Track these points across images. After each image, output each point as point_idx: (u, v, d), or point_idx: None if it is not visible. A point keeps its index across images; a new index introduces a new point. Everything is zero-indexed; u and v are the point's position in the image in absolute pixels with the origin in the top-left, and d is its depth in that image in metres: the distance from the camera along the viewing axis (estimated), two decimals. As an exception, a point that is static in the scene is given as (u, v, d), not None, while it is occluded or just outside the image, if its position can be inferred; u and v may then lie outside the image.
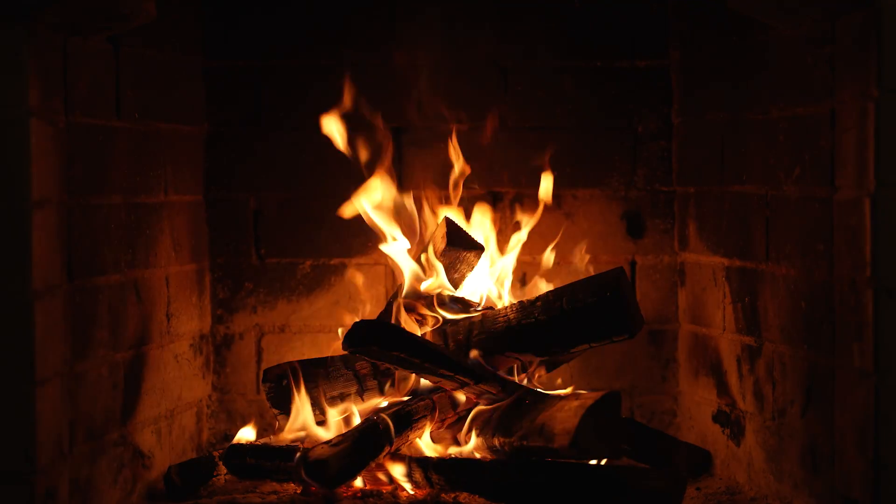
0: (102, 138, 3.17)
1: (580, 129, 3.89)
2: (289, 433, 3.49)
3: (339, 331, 3.56)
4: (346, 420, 3.47)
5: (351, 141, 3.74)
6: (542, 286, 3.64)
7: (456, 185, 3.72)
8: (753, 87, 3.35)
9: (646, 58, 3.88)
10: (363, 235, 3.82)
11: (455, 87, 3.83)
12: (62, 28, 2.92)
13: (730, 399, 3.52)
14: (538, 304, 3.38)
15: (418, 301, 3.53)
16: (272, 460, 3.40)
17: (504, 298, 3.65)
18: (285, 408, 3.54)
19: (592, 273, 3.61)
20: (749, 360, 3.39)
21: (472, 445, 3.37)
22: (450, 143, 3.73)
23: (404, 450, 3.34)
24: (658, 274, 3.91)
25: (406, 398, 3.46)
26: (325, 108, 3.81)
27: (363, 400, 3.51)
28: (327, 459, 3.12)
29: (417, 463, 3.32)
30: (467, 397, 3.43)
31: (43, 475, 2.81)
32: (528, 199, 3.87)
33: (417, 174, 3.78)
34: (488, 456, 3.34)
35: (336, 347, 3.43)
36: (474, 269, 3.62)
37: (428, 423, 3.38)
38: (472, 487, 3.25)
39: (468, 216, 3.75)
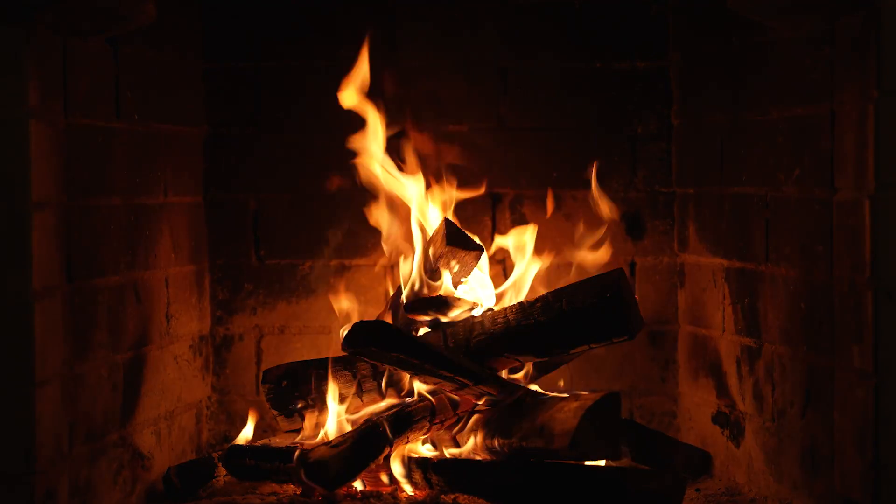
0: (102, 139, 3.17)
1: (580, 129, 3.89)
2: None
3: (341, 331, 3.56)
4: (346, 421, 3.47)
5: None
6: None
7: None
8: (753, 89, 3.35)
9: (646, 59, 3.88)
10: (363, 236, 3.83)
11: (455, 88, 3.83)
12: (62, 29, 2.92)
13: (729, 400, 3.52)
14: (538, 305, 3.37)
15: (418, 302, 3.52)
16: (272, 461, 3.40)
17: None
18: (285, 409, 3.54)
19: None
20: (749, 361, 3.39)
21: (471, 446, 3.37)
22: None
23: (404, 451, 3.34)
24: (658, 275, 3.91)
25: (406, 399, 3.45)
26: (324, 109, 3.82)
27: (362, 401, 3.51)
28: (327, 460, 3.12)
29: (417, 464, 3.32)
30: (466, 398, 3.43)
31: (42, 476, 2.81)
32: (527, 199, 3.87)
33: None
34: (488, 457, 3.34)
35: (336, 349, 3.43)
36: (474, 269, 3.62)
37: (427, 425, 3.38)
38: (471, 488, 3.25)
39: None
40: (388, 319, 3.58)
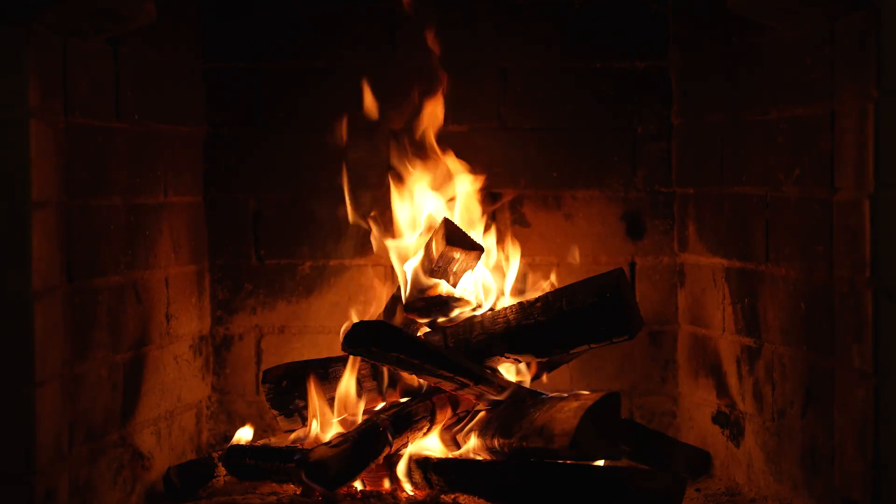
0: (102, 139, 3.17)
1: (580, 129, 3.89)
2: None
3: (343, 328, 3.56)
4: (346, 421, 3.47)
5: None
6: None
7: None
8: (753, 88, 3.35)
9: (645, 59, 3.88)
10: (363, 236, 3.83)
11: (455, 88, 3.83)
12: (62, 28, 2.92)
13: (729, 400, 3.52)
14: (538, 304, 3.37)
15: (418, 302, 3.52)
16: (272, 461, 3.40)
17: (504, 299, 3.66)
18: (285, 409, 3.54)
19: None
20: (748, 361, 3.39)
21: (471, 446, 3.37)
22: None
23: (403, 450, 3.35)
24: (658, 275, 3.91)
25: (405, 399, 3.46)
26: (324, 110, 3.83)
27: (363, 401, 3.51)
28: (327, 461, 3.12)
29: (417, 464, 3.32)
30: (466, 398, 3.43)
31: (42, 476, 2.81)
32: (527, 199, 3.87)
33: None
34: (488, 457, 3.34)
35: (336, 349, 3.43)
36: (473, 269, 3.62)
37: (427, 425, 3.38)
38: (471, 488, 3.25)
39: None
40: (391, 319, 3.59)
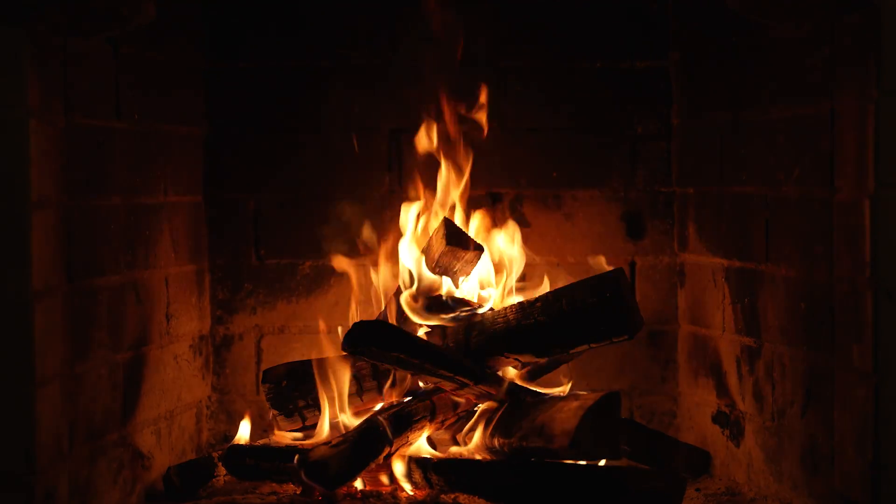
0: (102, 139, 3.18)
1: (580, 129, 3.89)
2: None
3: (339, 330, 3.57)
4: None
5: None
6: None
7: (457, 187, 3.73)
8: (753, 88, 3.35)
9: (645, 58, 3.88)
10: (363, 236, 3.82)
11: (455, 88, 3.83)
12: (62, 28, 2.92)
13: (729, 400, 3.52)
14: (538, 304, 3.37)
15: (418, 302, 3.52)
16: (272, 461, 3.40)
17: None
18: (285, 409, 3.54)
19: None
20: (748, 360, 3.39)
21: (471, 446, 3.37)
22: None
23: (404, 450, 3.35)
24: (658, 275, 3.91)
25: (405, 399, 3.45)
26: (324, 109, 3.83)
27: (362, 400, 3.51)
28: (327, 460, 3.12)
29: (417, 463, 3.32)
30: (467, 398, 3.43)
31: (42, 476, 2.81)
32: (527, 199, 3.87)
33: (416, 175, 3.78)
34: (488, 457, 3.34)
35: (336, 348, 3.43)
36: (474, 269, 3.62)
37: (427, 425, 3.38)
38: (471, 488, 3.25)
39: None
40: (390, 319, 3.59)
